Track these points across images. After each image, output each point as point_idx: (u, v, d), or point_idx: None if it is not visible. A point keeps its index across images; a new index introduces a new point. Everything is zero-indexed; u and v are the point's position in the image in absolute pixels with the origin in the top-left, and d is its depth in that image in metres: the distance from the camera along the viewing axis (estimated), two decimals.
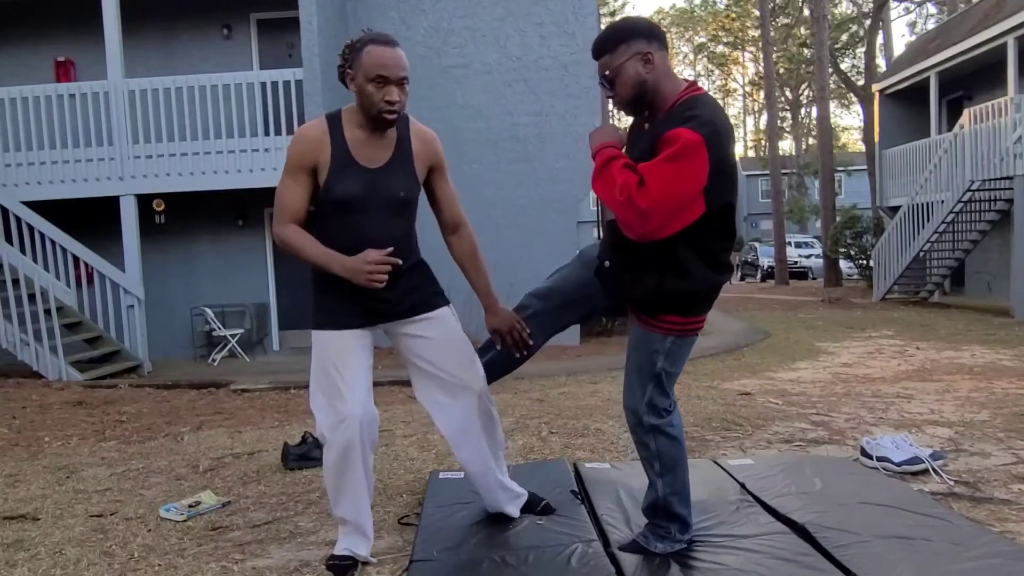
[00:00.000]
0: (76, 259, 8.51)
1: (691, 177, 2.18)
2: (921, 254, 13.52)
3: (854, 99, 33.92)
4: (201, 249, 10.04)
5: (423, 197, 2.62)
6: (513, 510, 2.87)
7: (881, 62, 25.13)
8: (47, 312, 7.90)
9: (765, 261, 26.73)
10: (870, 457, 3.55)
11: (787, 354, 8.00)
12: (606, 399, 5.50)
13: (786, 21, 32.40)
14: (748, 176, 41.37)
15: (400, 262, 2.42)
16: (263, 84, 8.75)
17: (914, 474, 3.42)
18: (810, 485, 3.18)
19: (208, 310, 9.57)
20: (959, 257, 13.14)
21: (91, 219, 9.28)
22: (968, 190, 12.20)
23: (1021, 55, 12.32)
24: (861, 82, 24.89)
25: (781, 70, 33.60)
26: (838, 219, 19.14)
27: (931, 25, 29.86)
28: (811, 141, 39.21)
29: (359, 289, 2.41)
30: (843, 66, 30.30)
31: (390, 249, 2.40)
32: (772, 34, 27.35)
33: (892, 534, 2.61)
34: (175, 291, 9.88)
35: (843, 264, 20.03)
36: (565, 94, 9.88)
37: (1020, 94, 11.69)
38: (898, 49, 29.50)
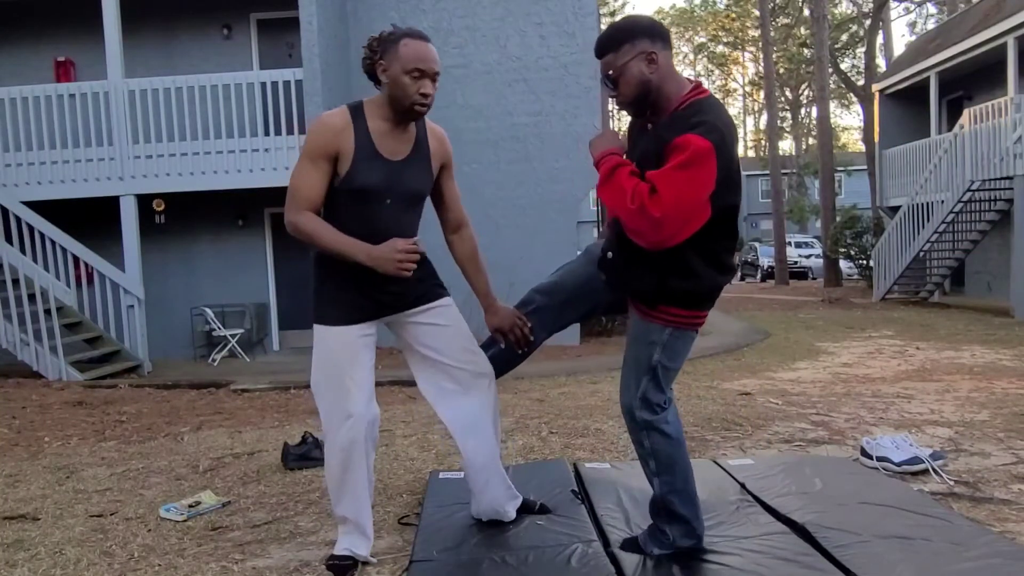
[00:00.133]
0: (76, 259, 8.51)
1: (702, 184, 2.17)
2: (921, 254, 13.52)
3: (854, 99, 33.93)
4: (201, 249, 10.04)
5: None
6: (511, 510, 2.86)
7: (881, 62, 25.14)
8: (47, 312, 7.90)
9: (765, 261, 26.72)
10: (870, 457, 3.55)
11: (787, 354, 8.00)
12: (606, 399, 5.50)
13: (786, 21, 32.39)
14: (748, 176, 41.34)
15: (424, 251, 2.45)
16: (263, 84, 8.75)
17: (914, 474, 3.42)
18: (810, 485, 3.18)
19: (208, 310, 9.57)
20: (959, 257, 13.14)
21: (91, 219, 9.28)
22: (968, 190, 12.20)
23: (1021, 55, 12.32)
24: (861, 82, 24.89)
25: (781, 70, 33.59)
26: (838, 219, 19.14)
27: (931, 25, 29.87)
28: (811, 141, 39.21)
29: (368, 281, 2.43)
30: (843, 66, 30.30)
31: (417, 238, 2.44)
32: (772, 34, 27.35)
33: (892, 534, 2.61)
34: (175, 291, 9.88)
35: (843, 264, 20.02)
36: (565, 94, 9.88)
37: (1020, 94, 11.69)
38: (898, 49, 29.53)
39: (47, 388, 7.19)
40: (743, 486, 3.20)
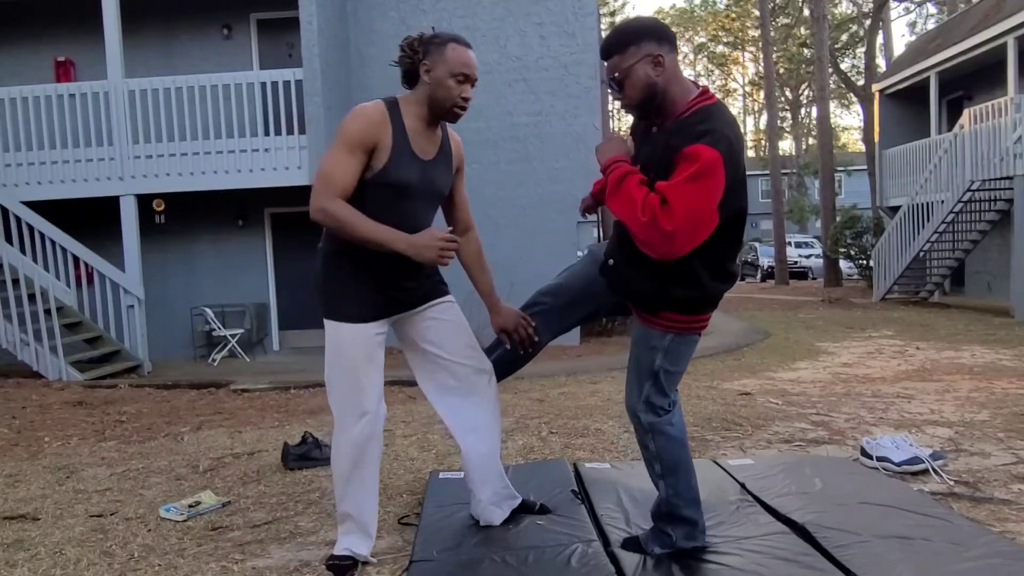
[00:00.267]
0: (76, 259, 8.51)
1: (712, 195, 2.16)
2: (921, 254, 13.52)
3: (854, 99, 33.92)
4: (201, 249, 10.04)
5: None
6: (506, 510, 2.86)
7: (881, 62, 25.14)
8: (47, 312, 7.90)
9: (765, 261, 26.71)
10: (870, 457, 3.55)
11: (787, 354, 8.00)
12: (606, 399, 5.50)
13: (786, 21, 32.38)
14: (748, 176, 40.46)
15: (459, 243, 2.48)
16: (263, 84, 8.75)
17: (914, 474, 3.42)
18: (810, 485, 3.18)
19: (208, 310, 9.57)
20: (959, 257, 13.14)
21: (91, 219, 9.28)
22: (968, 190, 12.20)
23: (1021, 55, 12.32)
24: (861, 82, 24.89)
25: (781, 70, 33.59)
26: (838, 219, 19.13)
27: (931, 25, 29.87)
28: (811, 141, 39.20)
29: (384, 278, 2.47)
30: (843, 66, 30.30)
31: (451, 228, 2.48)
32: (772, 34, 27.34)
33: (892, 534, 2.61)
34: (175, 291, 9.88)
35: (843, 264, 20.02)
36: (565, 94, 9.88)
37: (1020, 94, 11.69)
38: (898, 49, 29.52)
39: (47, 388, 7.19)
40: (743, 486, 3.20)
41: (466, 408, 2.73)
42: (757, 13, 30.68)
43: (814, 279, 24.60)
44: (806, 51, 30.42)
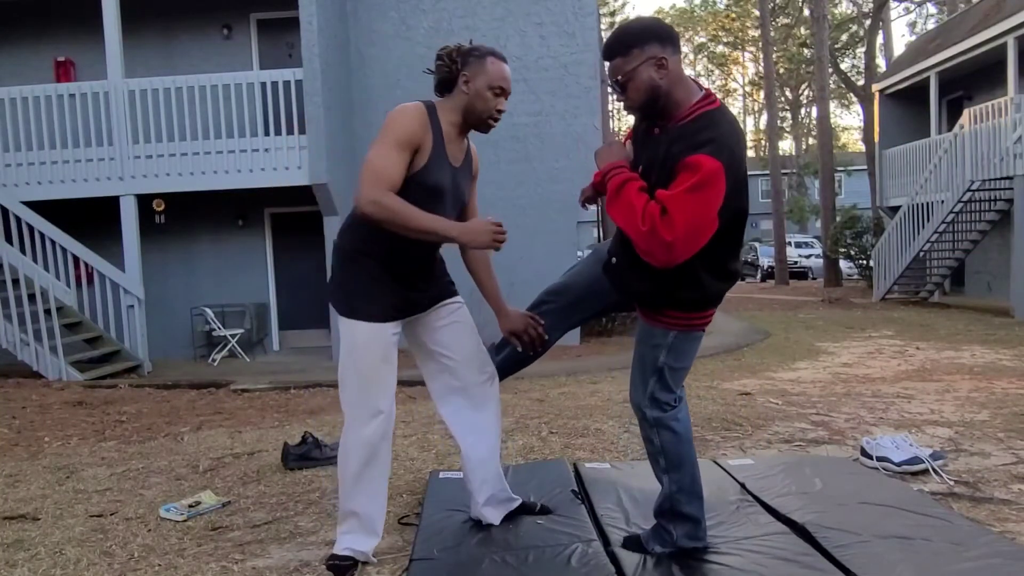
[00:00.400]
0: (76, 259, 8.51)
1: (711, 205, 2.16)
2: (921, 254, 13.52)
3: (854, 99, 33.92)
4: (201, 249, 10.04)
5: None
6: (502, 511, 2.87)
7: (881, 62, 25.13)
8: (47, 312, 7.90)
9: (765, 261, 26.71)
10: (870, 457, 3.55)
11: (787, 354, 8.00)
12: (606, 399, 5.50)
13: (786, 21, 32.38)
14: (748, 176, 41.11)
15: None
16: (263, 84, 8.75)
17: (914, 474, 3.42)
18: (810, 485, 3.18)
19: (208, 310, 9.57)
20: (959, 257, 13.14)
21: (91, 219, 9.28)
22: (968, 190, 12.20)
23: (1021, 55, 12.32)
24: (861, 82, 24.89)
25: (781, 70, 33.59)
26: (838, 219, 19.13)
27: (931, 25, 29.86)
28: (811, 141, 39.19)
29: (403, 280, 2.53)
30: (843, 66, 30.30)
31: (496, 215, 2.54)
32: (772, 34, 27.34)
33: (892, 534, 2.61)
34: (175, 291, 9.88)
35: (843, 264, 20.02)
36: (565, 94, 9.88)
37: (1020, 94, 11.69)
38: (898, 49, 29.52)
39: (47, 388, 7.19)
40: (743, 486, 3.20)
41: (468, 410, 2.76)
42: (757, 13, 30.68)
43: (814, 279, 24.60)
44: (806, 51, 30.42)
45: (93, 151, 8.75)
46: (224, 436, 4.90)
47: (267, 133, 8.85)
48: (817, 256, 24.95)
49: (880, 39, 26.01)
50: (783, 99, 36.88)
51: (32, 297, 7.90)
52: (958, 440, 4.05)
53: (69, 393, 6.86)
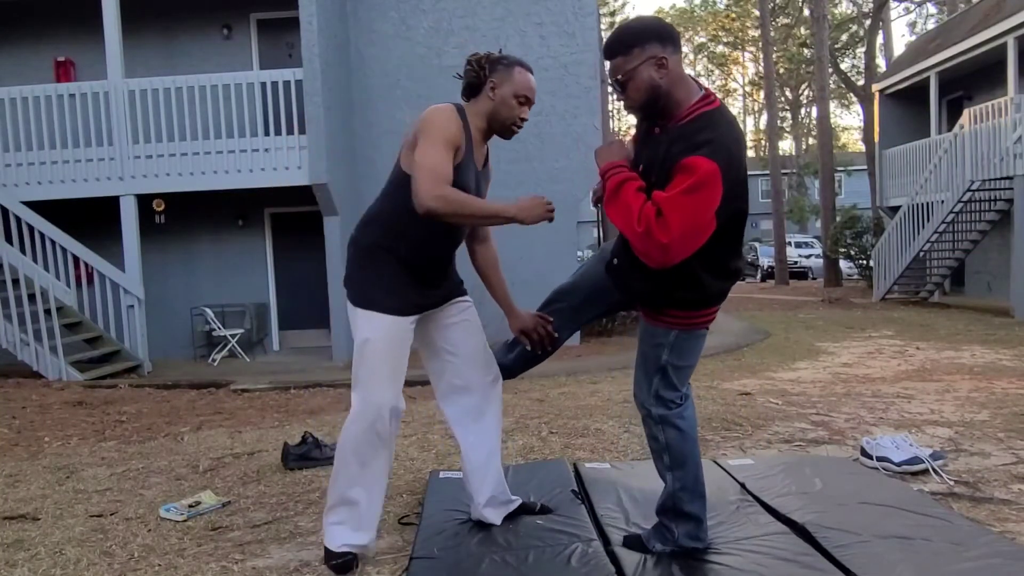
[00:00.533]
0: (76, 259, 8.51)
1: (708, 206, 2.17)
2: (921, 254, 13.52)
3: (854, 99, 33.92)
4: (201, 249, 10.04)
5: None
6: (502, 511, 2.87)
7: (881, 62, 25.13)
8: (47, 312, 7.90)
9: (765, 261, 26.72)
10: (870, 457, 3.55)
11: (787, 354, 8.00)
12: (606, 399, 5.50)
13: (786, 21, 32.37)
14: (748, 176, 41.08)
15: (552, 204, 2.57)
16: (263, 84, 8.75)
17: (914, 474, 3.42)
18: (810, 485, 3.18)
19: (208, 310, 9.57)
20: (959, 257, 13.14)
21: (91, 219, 9.27)
22: (968, 190, 12.20)
23: (1021, 55, 12.32)
24: (861, 82, 24.88)
25: (781, 70, 33.59)
26: (838, 219, 19.13)
27: (931, 25, 29.86)
28: (811, 141, 39.19)
29: (423, 277, 2.58)
30: (843, 66, 30.29)
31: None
32: (772, 34, 27.34)
33: (892, 534, 2.61)
34: (175, 291, 9.88)
35: (843, 264, 20.01)
36: (565, 94, 9.88)
37: (1020, 94, 11.69)
38: (898, 49, 29.52)
39: (47, 388, 7.19)
40: (743, 486, 3.20)
41: (471, 410, 2.78)
42: (757, 13, 30.68)
43: (814, 279, 24.60)
44: (806, 51, 30.41)
45: (93, 151, 8.75)
46: (224, 436, 4.90)
47: (267, 133, 8.85)
48: (817, 256, 24.95)
49: (880, 39, 26.02)
50: (783, 99, 36.88)
51: (32, 297, 7.90)
52: (958, 440, 4.05)
53: (69, 393, 6.86)
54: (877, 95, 17.10)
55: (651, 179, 2.28)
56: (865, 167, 21.65)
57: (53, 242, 8.41)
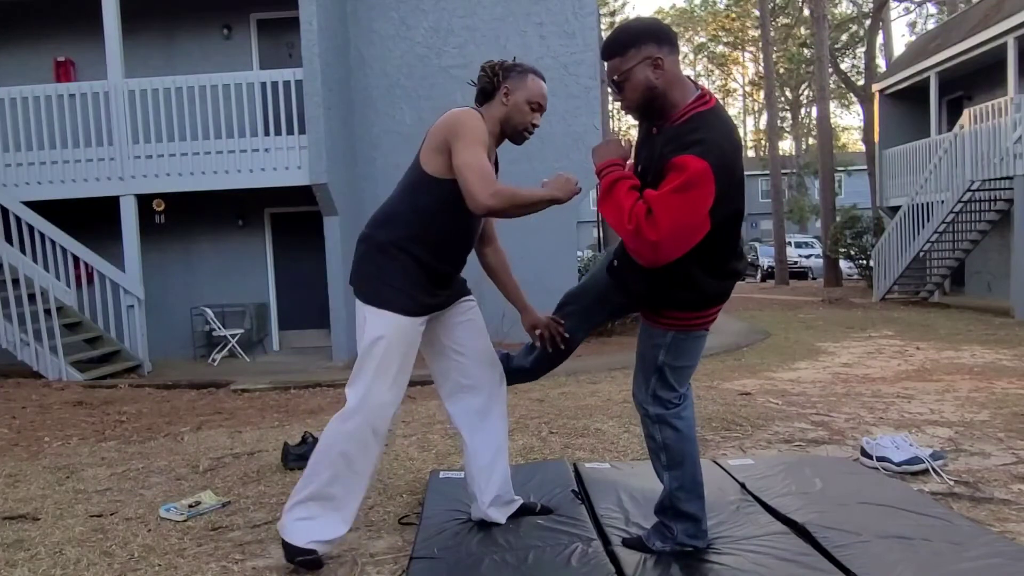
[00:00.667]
0: (76, 259, 8.51)
1: (699, 206, 2.17)
2: (921, 254, 13.52)
3: (854, 99, 33.91)
4: (201, 249, 10.04)
5: None
6: (507, 512, 2.88)
7: (881, 62, 25.12)
8: (47, 312, 7.90)
9: (765, 261, 26.72)
10: (870, 457, 3.55)
11: (787, 354, 8.00)
12: (606, 399, 5.50)
13: (786, 21, 32.38)
14: (748, 176, 40.76)
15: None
16: (263, 84, 8.75)
17: (914, 474, 3.42)
18: (810, 485, 3.18)
19: (208, 310, 9.57)
20: (959, 257, 13.14)
21: (91, 219, 9.28)
22: (968, 190, 12.20)
23: (1021, 55, 12.32)
24: (861, 82, 24.89)
25: (781, 70, 33.59)
26: (838, 219, 19.13)
27: (931, 25, 29.87)
28: (811, 141, 39.19)
29: (436, 278, 2.60)
30: (843, 66, 30.29)
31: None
32: (772, 34, 27.35)
33: (892, 534, 2.61)
34: (175, 291, 9.88)
35: (843, 264, 20.02)
36: (565, 94, 9.88)
37: (1020, 94, 11.69)
38: (898, 49, 29.50)
39: (47, 388, 7.19)
40: (743, 486, 3.20)
41: (476, 410, 2.79)
42: (757, 13, 30.68)
43: (814, 279, 24.61)
44: (806, 51, 30.43)
45: (93, 151, 8.74)
46: (224, 436, 4.90)
47: (267, 133, 8.85)
48: (817, 256, 24.96)
49: (880, 39, 26.00)
50: (783, 99, 36.88)
51: (32, 297, 7.90)
52: (958, 440, 4.05)
53: (69, 393, 6.86)
54: (877, 95, 17.10)
55: (647, 179, 2.30)
56: (865, 167, 21.65)
57: (53, 242, 8.41)
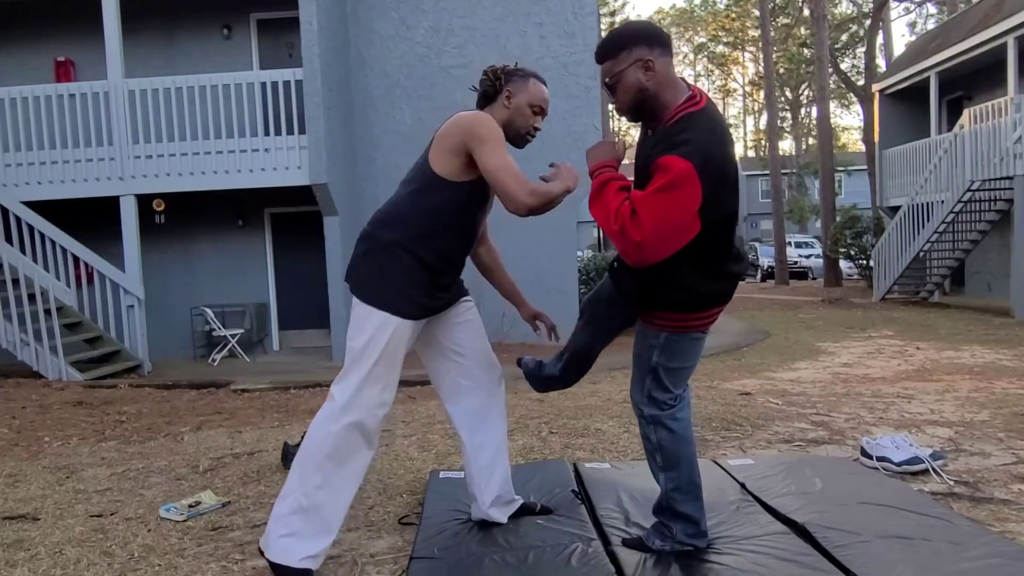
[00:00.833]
0: (76, 259, 8.51)
1: (684, 205, 2.17)
2: (921, 254, 13.52)
3: (854, 99, 33.92)
4: (201, 249, 10.04)
5: None
6: (507, 511, 2.88)
7: (881, 62, 25.13)
8: (47, 312, 7.90)
9: (765, 261, 26.73)
10: (870, 457, 3.55)
11: (787, 354, 8.00)
12: (606, 399, 5.50)
13: (786, 21, 32.39)
14: (748, 176, 41.37)
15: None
16: (263, 84, 8.75)
17: (914, 474, 3.42)
18: (810, 485, 3.18)
19: (208, 310, 9.57)
20: (959, 257, 13.14)
21: (91, 219, 9.28)
22: (968, 190, 12.20)
23: (1021, 55, 12.32)
24: (861, 82, 24.89)
25: (781, 70, 33.59)
26: (838, 219, 19.14)
27: (931, 25, 29.88)
28: (811, 141, 39.20)
29: (437, 281, 2.60)
30: (843, 66, 30.30)
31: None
32: (772, 34, 27.35)
33: (892, 534, 2.61)
34: (175, 291, 9.89)
35: (843, 264, 20.02)
36: (565, 94, 9.88)
37: (1020, 94, 11.69)
38: (898, 49, 29.51)
39: (47, 388, 7.19)
40: (743, 486, 3.20)
41: (476, 410, 2.79)
42: (757, 13, 30.68)
43: (814, 279, 24.62)
44: (806, 51, 30.43)
45: (93, 151, 8.75)
46: (224, 436, 4.90)
47: (267, 133, 8.85)
48: (817, 256, 24.97)
49: (880, 39, 26.00)
50: (783, 99, 36.88)
51: (32, 297, 7.90)
52: (958, 440, 4.05)
53: (69, 393, 6.86)
54: (877, 95, 17.10)
55: (639, 180, 2.33)
56: (865, 167, 21.66)
57: (53, 242, 8.41)
